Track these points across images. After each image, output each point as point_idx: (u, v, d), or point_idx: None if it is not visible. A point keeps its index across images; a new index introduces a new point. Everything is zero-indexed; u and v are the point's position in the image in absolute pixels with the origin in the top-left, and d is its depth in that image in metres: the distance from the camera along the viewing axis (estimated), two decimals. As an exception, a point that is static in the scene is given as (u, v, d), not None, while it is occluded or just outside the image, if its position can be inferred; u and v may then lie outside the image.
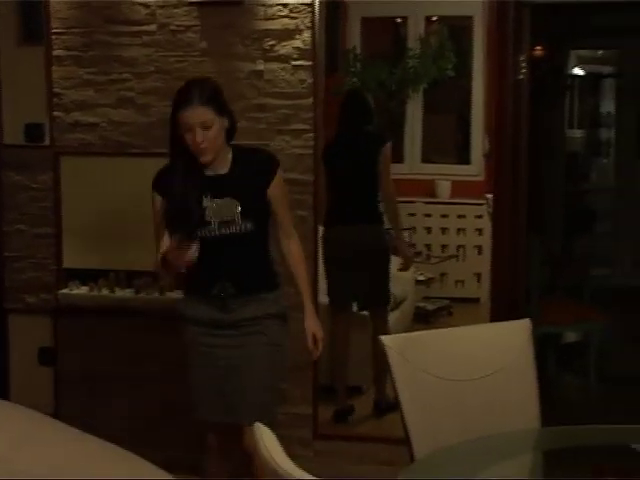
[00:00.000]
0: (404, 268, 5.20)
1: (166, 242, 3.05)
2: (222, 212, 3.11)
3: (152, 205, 3.24)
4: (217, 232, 3.12)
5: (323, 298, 4.83)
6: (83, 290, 4.56)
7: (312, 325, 3.34)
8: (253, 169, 3.19)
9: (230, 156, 3.20)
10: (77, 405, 4.54)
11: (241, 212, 3.13)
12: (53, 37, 4.51)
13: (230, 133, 3.22)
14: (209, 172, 3.16)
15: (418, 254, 6.98)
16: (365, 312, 5.13)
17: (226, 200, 3.12)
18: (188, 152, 3.10)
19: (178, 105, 3.09)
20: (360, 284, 4.94)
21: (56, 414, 4.50)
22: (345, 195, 4.97)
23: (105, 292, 4.52)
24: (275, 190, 3.25)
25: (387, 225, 5.08)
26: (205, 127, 3.05)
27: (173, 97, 3.18)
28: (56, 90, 4.54)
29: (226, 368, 3.21)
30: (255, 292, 3.22)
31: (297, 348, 3.45)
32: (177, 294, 4.41)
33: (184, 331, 3.31)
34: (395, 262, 5.15)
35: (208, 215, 3.12)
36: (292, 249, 3.33)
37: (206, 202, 3.13)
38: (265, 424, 1.86)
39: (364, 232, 4.91)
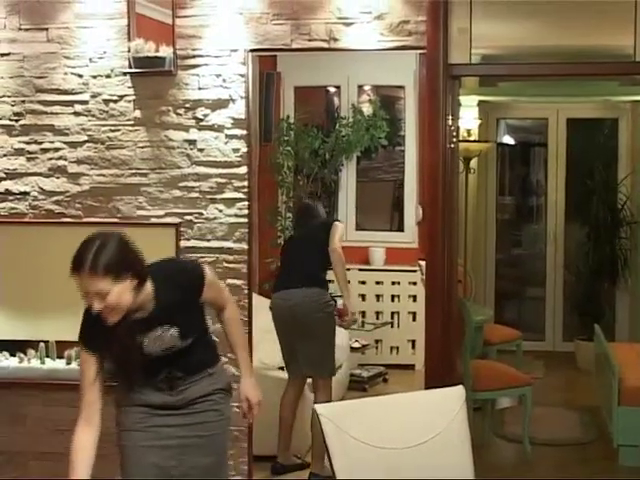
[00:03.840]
0: (342, 324, 5.16)
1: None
2: (162, 341, 2.96)
3: (81, 363, 2.95)
4: (160, 354, 2.98)
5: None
6: (12, 361, 4.47)
7: (247, 389, 3.21)
8: (180, 288, 2.98)
9: (151, 289, 2.91)
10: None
11: (180, 334, 2.98)
12: (-17, 106, 4.50)
13: (141, 282, 2.87)
14: (137, 315, 2.91)
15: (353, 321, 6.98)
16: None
17: (163, 330, 2.94)
18: None
19: (71, 266, 2.81)
20: (302, 351, 4.88)
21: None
22: (293, 263, 5.01)
23: (35, 363, 4.43)
24: (208, 293, 3.10)
25: (335, 292, 5.09)
26: (101, 295, 2.77)
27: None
28: (-15, 159, 4.51)
29: (178, 448, 3.04)
30: (201, 370, 3.10)
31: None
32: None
33: (123, 415, 3.05)
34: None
35: (147, 349, 2.95)
36: (229, 315, 3.24)
37: (142, 338, 2.94)
38: None
39: (305, 295, 4.87)
